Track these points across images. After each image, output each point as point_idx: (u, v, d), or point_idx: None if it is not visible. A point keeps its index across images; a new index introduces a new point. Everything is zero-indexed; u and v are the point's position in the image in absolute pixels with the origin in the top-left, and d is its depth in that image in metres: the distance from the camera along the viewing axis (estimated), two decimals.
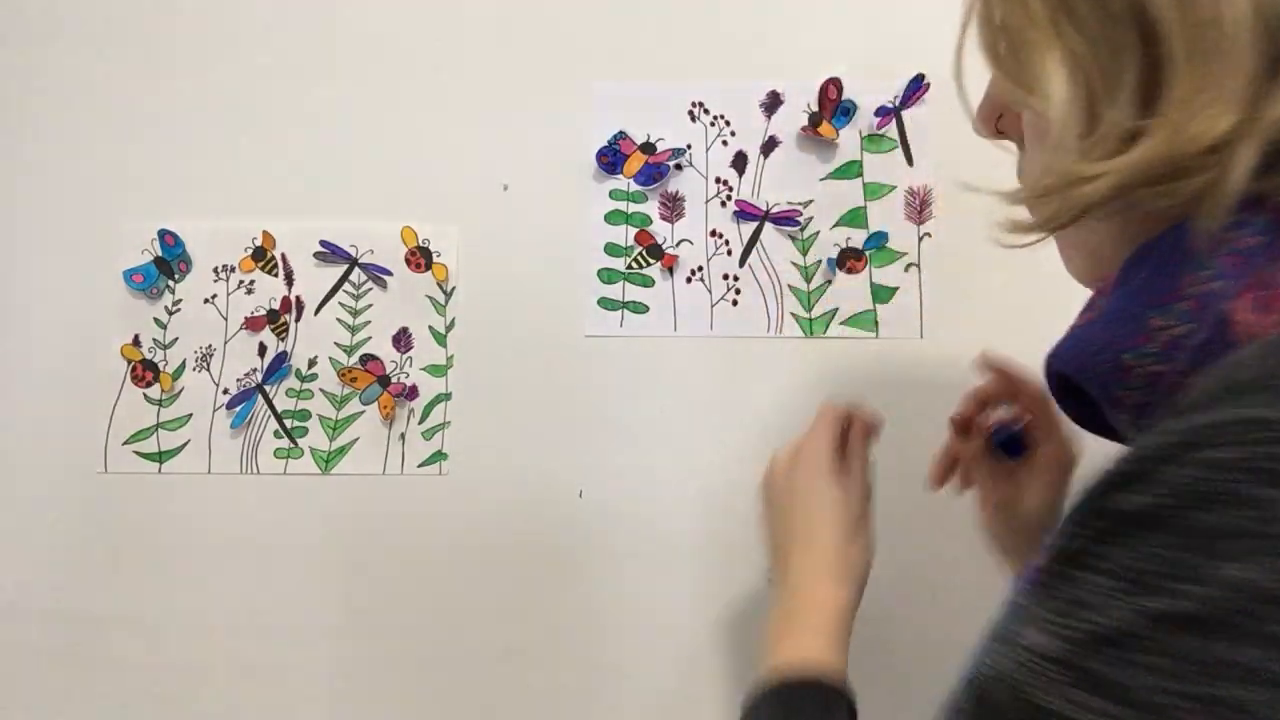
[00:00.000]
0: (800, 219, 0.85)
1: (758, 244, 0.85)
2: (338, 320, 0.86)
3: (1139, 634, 0.29)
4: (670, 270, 0.85)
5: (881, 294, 0.84)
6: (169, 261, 0.87)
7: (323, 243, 0.86)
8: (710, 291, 0.85)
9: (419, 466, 0.85)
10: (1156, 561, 0.30)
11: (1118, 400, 0.39)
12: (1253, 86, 0.36)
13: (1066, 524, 0.34)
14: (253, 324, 0.86)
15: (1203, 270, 0.38)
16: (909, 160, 0.84)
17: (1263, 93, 0.36)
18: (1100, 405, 0.41)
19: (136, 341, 0.86)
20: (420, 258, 0.86)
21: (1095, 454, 0.57)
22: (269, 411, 0.86)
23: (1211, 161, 0.36)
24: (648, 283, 0.85)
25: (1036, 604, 0.33)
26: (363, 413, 0.85)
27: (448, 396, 0.85)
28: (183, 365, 0.86)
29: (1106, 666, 0.30)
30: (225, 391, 0.86)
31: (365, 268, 0.86)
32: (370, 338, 0.86)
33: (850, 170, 0.85)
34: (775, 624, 0.58)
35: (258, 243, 0.87)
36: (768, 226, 0.85)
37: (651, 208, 0.85)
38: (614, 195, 0.86)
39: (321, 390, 0.86)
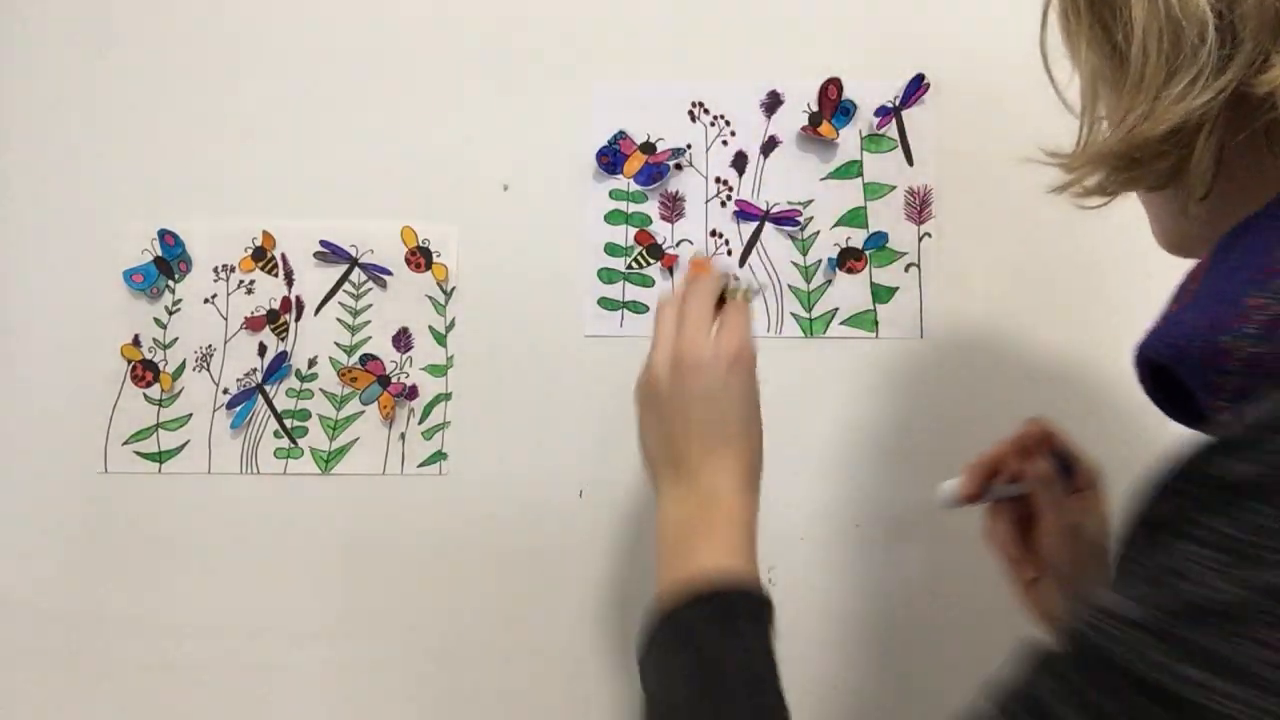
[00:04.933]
0: (800, 219, 0.85)
1: (758, 244, 0.85)
2: (338, 320, 0.86)
3: (1245, 606, 0.29)
4: (670, 270, 0.85)
5: (881, 294, 0.84)
6: (169, 261, 0.87)
7: (323, 243, 0.86)
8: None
9: (419, 466, 0.85)
10: (1264, 534, 0.29)
11: (1216, 387, 0.38)
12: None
13: (1153, 492, 0.33)
14: (253, 324, 0.86)
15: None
16: (909, 160, 0.84)
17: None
18: (1196, 394, 0.40)
19: (136, 341, 0.86)
20: (420, 258, 0.86)
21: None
22: (269, 411, 0.86)
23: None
24: (648, 283, 0.85)
25: (1122, 575, 0.32)
26: (363, 413, 0.85)
27: (448, 396, 0.85)
28: (183, 365, 0.86)
29: (1208, 638, 0.29)
30: (225, 391, 0.86)
31: (365, 268, 0.86)
32: (370, 338, 0.86)
33: (850, 170, 0.85)
34: (687, 528, 0.56)
35: (258, 243, 0.87)
36: (768, 226, 0.85)
37: (651, 208, 0.85)
38: (614, 195, 0.86)
39: (321, 390, 0.86)
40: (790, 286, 0.85)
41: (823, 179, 0.85)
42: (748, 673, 0.49)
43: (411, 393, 0.85)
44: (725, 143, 0.85)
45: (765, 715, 0.49)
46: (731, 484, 0.56)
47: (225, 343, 0.86)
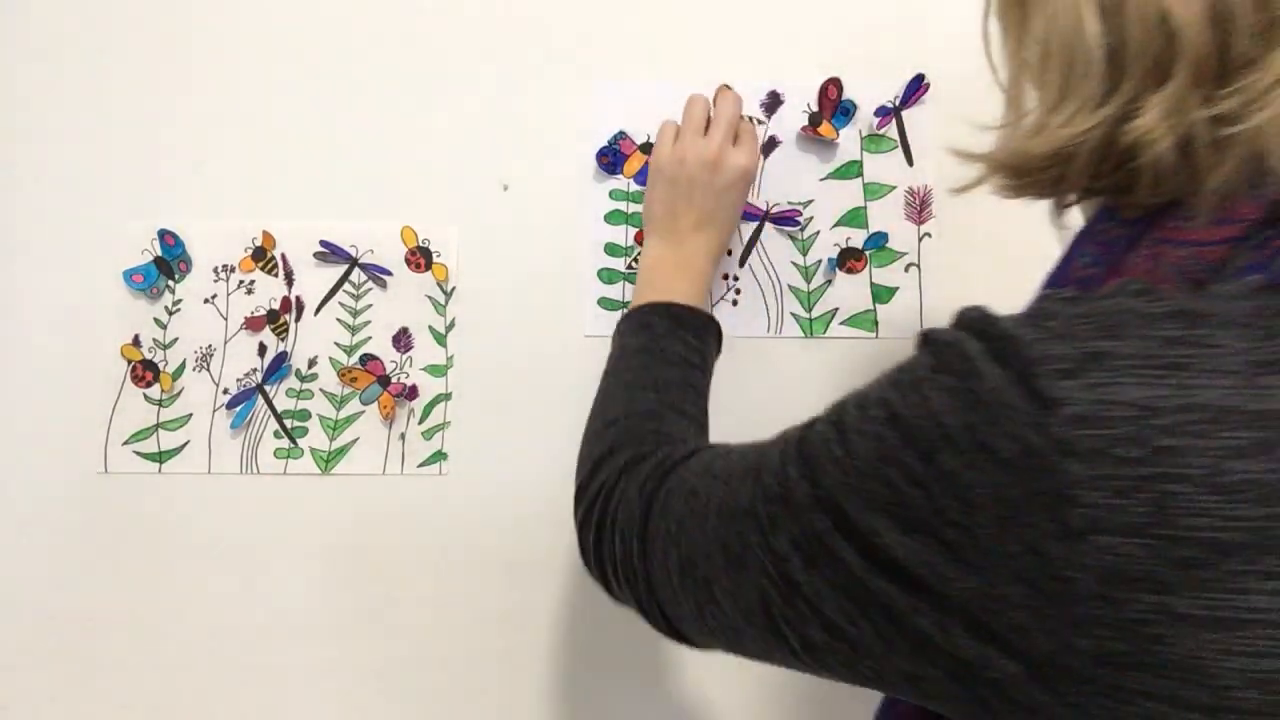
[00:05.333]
0: (800, 219, 0.85)
1: (758, 244, 0.85)
2: (338, 320, 0.86)
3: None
4: None
5: (881, 294, 0.84)
6: (169, 261, 0.87)
7: (323, 243, 0.86)
8: (710, 292, 0.85)
9: (419, 466, 0.85)
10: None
11: None
12: (1101, 99, 0.39)
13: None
14: (253, 324, 0.86)
15: (1084, 257, 0.45)
16: (909, 160, 0.84)
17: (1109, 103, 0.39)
18: None
19: (136, 341, 0.86)
20: (420, 258, 0.86)
21: None
22: (269, 411, 0.86)
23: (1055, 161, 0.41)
24: None
25: None
26: (363, 413, 0.85)
27: (448, 396, 0.85)
28: (183, 365, 0.86)
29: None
30: (225, 391, 0.86)
31: (365, 268, 0.86)
32: (370, 338, 0.86)
33: (850, 170, 0.85)
34: (663, 271, 0.74)
35: (258, 243, 0.87)
36: (768, 226, 0.85)
37: None
38: (614, 195, 0.86)
39: (321, 390, 0.86)
40: (790, 286, 0.85)
41: (823, 179, 0.85)
42: (688, 357, 0.67)
43: (411, 393, 0.85)
44: None
45: (692, 388, 0.65)
46: (704, 256, 0.75)
47: (225, 343, 0.86)
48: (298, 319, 0.86)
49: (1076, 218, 0.48)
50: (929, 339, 0.39)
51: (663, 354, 0.66)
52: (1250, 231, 0.39)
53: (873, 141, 0.85)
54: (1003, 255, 0.84)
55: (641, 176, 0.85)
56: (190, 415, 0.86)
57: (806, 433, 0.42)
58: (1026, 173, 0.42)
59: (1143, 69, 0.37)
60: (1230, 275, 0.38)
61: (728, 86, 0.81)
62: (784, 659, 0.44)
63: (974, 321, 0.37)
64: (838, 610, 0.39)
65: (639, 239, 0.85)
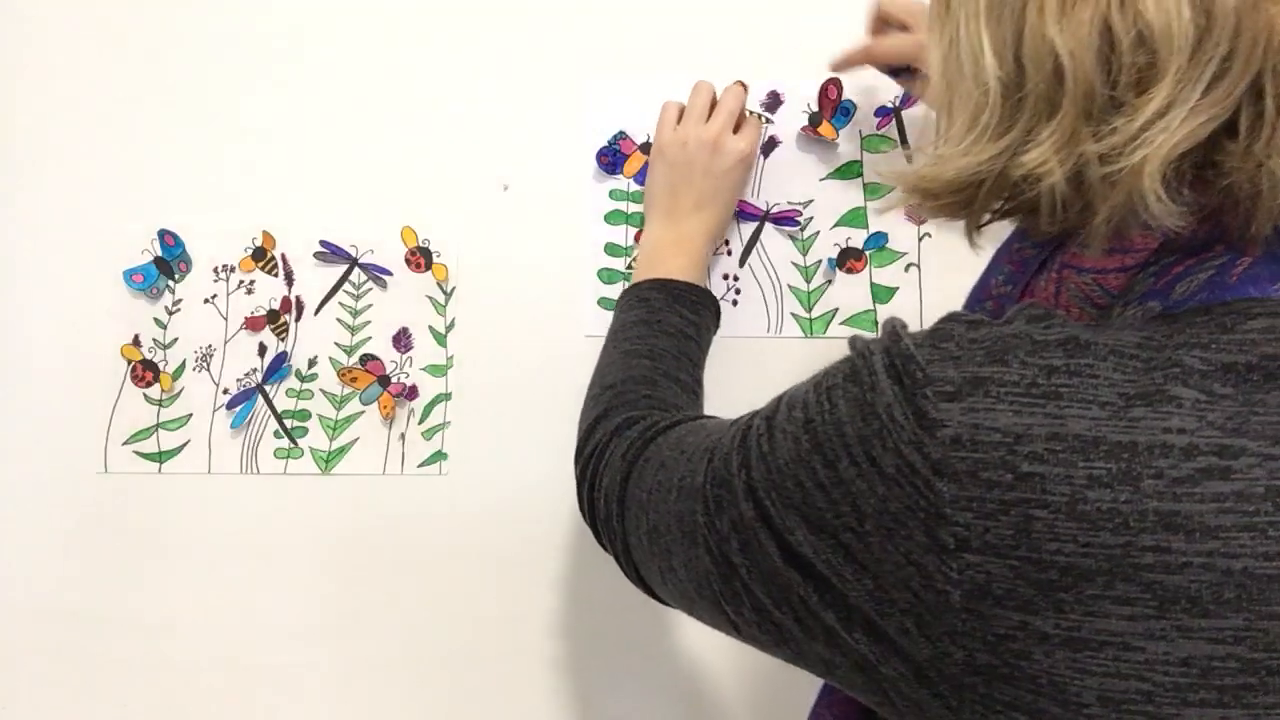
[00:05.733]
0: (800, 219, 0.85)
1: (758, 244, 0.85)
2: (338, 320, 0.86)
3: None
4: None
5: (881, 294, 0.84)
6: (169, 261, 0.87)
7: (323, 243, 0.86)
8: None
9: (419, 466, 0.85)
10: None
11: None
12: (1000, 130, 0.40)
13: None
14: (253, 324, 0.86)
15: (1000, 274, 0.49)
16: (909, 160, 0.84)
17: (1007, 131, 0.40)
18: None
19: (136, 341, 0.86)
20: (420, 258, 0.86)
21: None
22: (269, 411, 0.86)
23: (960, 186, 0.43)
24: None
25: None
26: (363, 413, 0.85)
27: (448, 396, 0.85)
28: (183, 365, 0.86)
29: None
30: (225, 391, 0.86)
31: (365, 268, 0.86)
32: (370, 338, 0.86)
33: (850, 170, 0.85)
34: (662, 250, 0.76)
35: (258, 243, 0.87)
36: (768, 226, 0.85)
37: None
38: (614, 195, 0.86)
39: (321, 390, 0.86)
40: (790, 286, 0.85)
41: (823, 179, 0.85)
42: (683, 329, 0.69)
43: (411, 393, 0.85)
44: None
45: (687, 358, 0.68)
46: (703, 236, 0.77)
47: (225, 343, 0.86)
48: (298, 319, 0.86)
49: (993, 236, 0.48)
50: (851, 346, 0.41)
51: (659, 325, 0.69)
52: (1149, 259, 0.40)
53: (873, 141, 0.85)
54: None
55: (641, 176, 0.85)
56: (190, 415, 0.86)
57: (751, 421, 0.44)
58: (935, 196, 0.44)
59: (1036, 103, 0.38)
60: (1132, 301, 0.40)
61: (741, 83, 0.81)
62: (729, 632, 0.46)
63: (886, 336, 0.39)
64: (765, 595, 0.41)
65: (639, 239, 0.85)
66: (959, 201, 0.43)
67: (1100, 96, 0.36)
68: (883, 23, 0.79)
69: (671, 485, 0.48)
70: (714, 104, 0.80)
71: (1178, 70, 0.34)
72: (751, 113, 0.83)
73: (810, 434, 0.39)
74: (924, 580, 0.35)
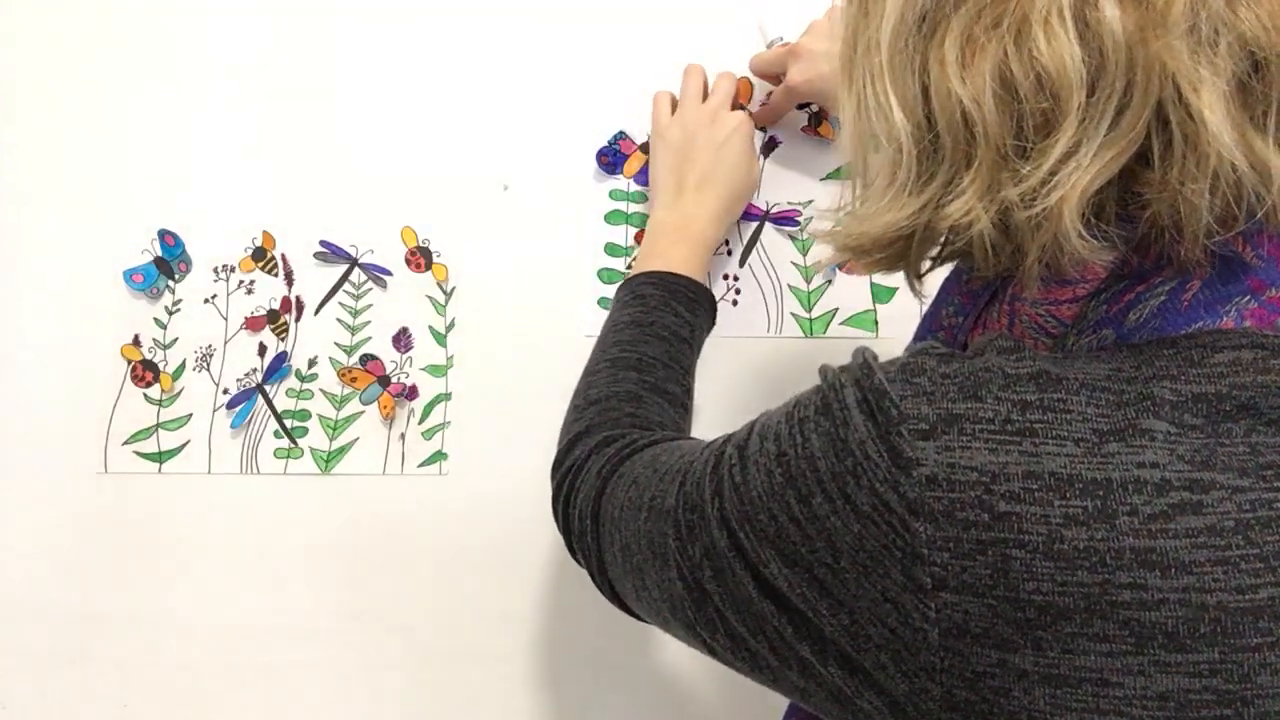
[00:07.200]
0: (800, 219, 0.85)
1: (758, 244, 0.85)
2: (338, 320, 0.86)
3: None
4: None
5: (881, 294, 0.84)
6: (169, 261, 0.87)
7: (323, 243, 0.86)
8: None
9: (419, 466, 0.85)
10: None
11: None
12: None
13: None
14: (253, 324, 0.86)
15: (950, 305, 0.49)
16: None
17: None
18: None
19: (136, 341, 0.86)
20: (420, 258, 0.86)
21: None
22: (269, 411, 0.86)
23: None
24: None
25: None
26: (363, 413, 0.85)
27: (448, 396, 0.85)
28: (183, 365, 0.86)
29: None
30: (225, 391, 0.86)
31: (365, 268, 0.86)
32: (370, 338, 0.86)
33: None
34: (664, 234, 0.74)
35: (258, 243, 0.87)
36: (768, 226, 0.85)
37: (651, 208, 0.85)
38: (614, 195, 0.86)
39: (321, 390, 0.86)
40: (790, 286, 0.85)
41: (823, 179, 0.85)
42: (677, 330, 0.68)
43: (411, 393, 0.85)
44: None
45: (678, 365, 0.67)
46: (707, 214, 0.75)
47: (225, 343, 0.86)
48: (298, 319, 0.86)
49: (933, 282, 0.48)
50: (823, 376, 0.41)
51: (652, 327, 0.68)
52: (1099, 288, 0.40)
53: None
54: None
55: (641, 176, 0.85)
56: (190, 415, 0.86)
57: (724, 448, 0.44)
58: (867, 252, 0.44)
59: (953, 154, 0.38)
60: (1086, 330, 0.40)
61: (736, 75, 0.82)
62: (704, 653, 0.46)
63: (857, 369, 0.38)
64: (740, 624, 0.41)
65: (639, 239, 0.85)
66: (891, 255, 0.43)
67: (1009, 143, 0.36)
68: (767, 78, 0.82)
69: (642, 504, 0.48)
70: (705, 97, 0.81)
71: (1079, 108, 0.35)
72: (770, 45, 0.83)
73: (783, 467, 0.39)
74: (901, 618, 0.35)
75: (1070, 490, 0.33)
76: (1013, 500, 0.33)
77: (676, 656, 0.84)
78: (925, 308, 0.52)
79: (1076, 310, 0.41)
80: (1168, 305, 0.38)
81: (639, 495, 0.49)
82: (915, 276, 0.45)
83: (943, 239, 0.41)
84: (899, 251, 0.43)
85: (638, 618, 0.54)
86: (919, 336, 0.53)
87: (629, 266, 0.85)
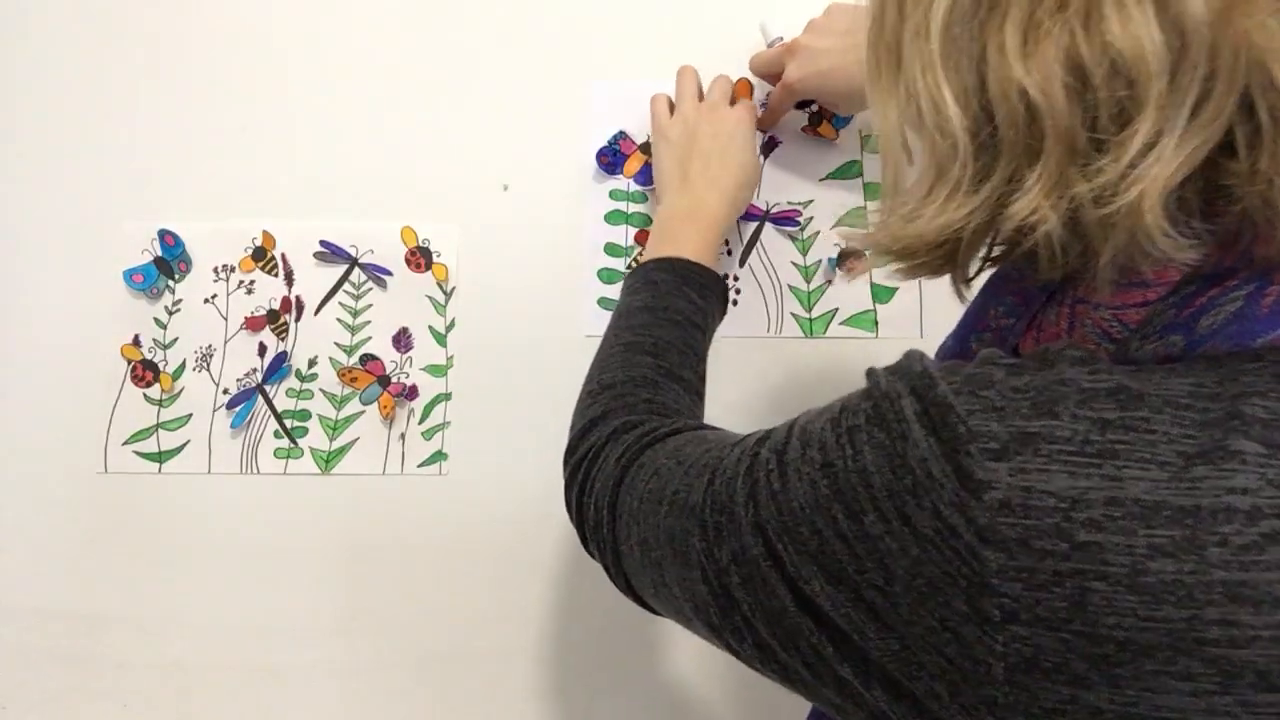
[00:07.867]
0: (800, 219, 0.85)
1: (758, 244, 0.85)
2: (338, 320, 0.86)
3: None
4: None
5: (881, 294, 0.84)
6: (169, 261, 0.87)
7: (323, 243, 0.86)
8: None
9: (419, 466, 0.85)
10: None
11: None
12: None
13: None
14: (253, 324, 0.86)
15: (1000, 305, 0.46)
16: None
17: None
18: None
19: (136, 341, 0.86)
20: (420, 258, 0.86)
21: None
22: (269, 411, 0.86)
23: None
24: None
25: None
26: (363, 413, 0.85)
27: (448, 396, 0.85)
28: (183, 365, 0.86)
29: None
30: (225, 391, 0.86)
31: (365, 268, 0.86)
32: (370, 338, 0.86)
33: (850, 170, 0.85)
34: (675, 221, 0.73)
35: (258, 243, 0.87)
36: (768, 226, 0.85)
37: (651, 208, 0.85)
38: (614, 195, 0.86)
39: (321, 390, 0.86)
40: (790, 286, 0.85)
41: (823, 179, 0.85)
42: (690, 316, 0.67)
43: (411, 393, 0.85)
44: None
45: (691, 351, 0.65)
46: (716, 199, 0.74)
47: (225, 343, 0.86)
48: (298, 319, 0.86)
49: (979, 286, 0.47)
50: (872, 380, 0.38)
51: (665, 312, 0.66)
52: (1170, 292, 0.37)
53: (873, 141, 0.85)
54: None
55: (641, 176, 0.85)
56: (190, 415, 0.86)
57: (758, 450, 0.42)
58: (914, 255, 0.41)
59: (1014, 147, 0.36)
60: (1151, 335, 0.37)
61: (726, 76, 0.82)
62: (727, 652, 0.44)
63: (915, 378, 0.36)
64: (770, 635, 0.39)
65: (639, 239, 0.85)
66: (940, 257, 0.41)
67: (1084, 133, 0.34)
68: (767, 78, 0.82)
69: (664, 496, 0.47)
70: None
71: (1159, 96, 0.32)
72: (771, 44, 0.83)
73: (830, 479, 0.36)
74: (961, 649, 0.33)
75: (1156, 518, 0.31)
76: (1094, 529, 0.31)
77: (678, 657, 0.84)
78: (966, 307, 0.49)
79: (1144, 315, 0.38)
80: (1245, 310, 0.35)
81: (661, 487, 0.47)
82: (964, 281, 0.43)
83: (991, 239, 0.39)
84: (948, 254, 0.40)
85: (655, 612, 0.53)
86: (959, 336, 0.51)
87: (629, 266, 0.85)
